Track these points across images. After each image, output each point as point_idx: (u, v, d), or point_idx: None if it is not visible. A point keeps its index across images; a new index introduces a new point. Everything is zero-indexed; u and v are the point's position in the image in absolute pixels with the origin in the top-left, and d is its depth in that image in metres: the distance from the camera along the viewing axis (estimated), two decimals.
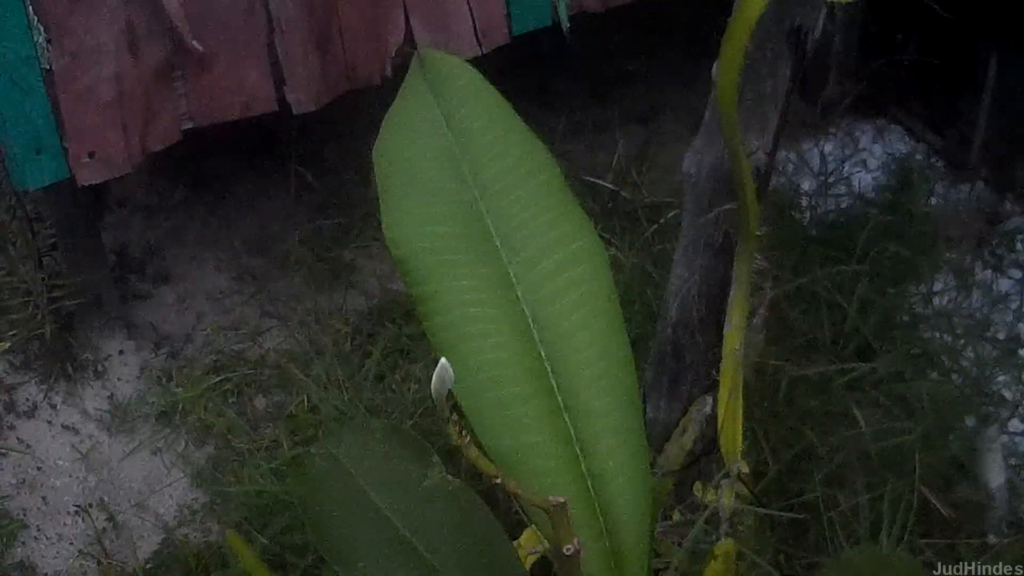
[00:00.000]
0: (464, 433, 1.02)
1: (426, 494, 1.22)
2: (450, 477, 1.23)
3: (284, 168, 2.64)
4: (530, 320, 1.19)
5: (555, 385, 1.18)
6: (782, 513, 1.79)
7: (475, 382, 1.16)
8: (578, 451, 1.18)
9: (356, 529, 1.23)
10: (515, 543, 1.66)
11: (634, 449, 1.19)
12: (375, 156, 1.24)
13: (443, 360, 0.97)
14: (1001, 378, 2.25)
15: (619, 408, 1.20)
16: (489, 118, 1.26)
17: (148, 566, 2.18)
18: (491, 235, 1.21)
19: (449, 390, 1.00)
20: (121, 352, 2.53)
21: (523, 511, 1.15)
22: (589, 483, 1.18)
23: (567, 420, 1.18)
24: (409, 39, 2.37)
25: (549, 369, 1.18)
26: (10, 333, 2.43)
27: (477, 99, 1.27)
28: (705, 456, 1.83)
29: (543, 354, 1.19)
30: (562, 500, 1.05)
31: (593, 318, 1.20)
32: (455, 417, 1.01)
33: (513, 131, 1.26)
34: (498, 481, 1.05)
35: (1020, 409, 2.18)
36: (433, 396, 0.99)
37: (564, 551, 1.07)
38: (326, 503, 1.25)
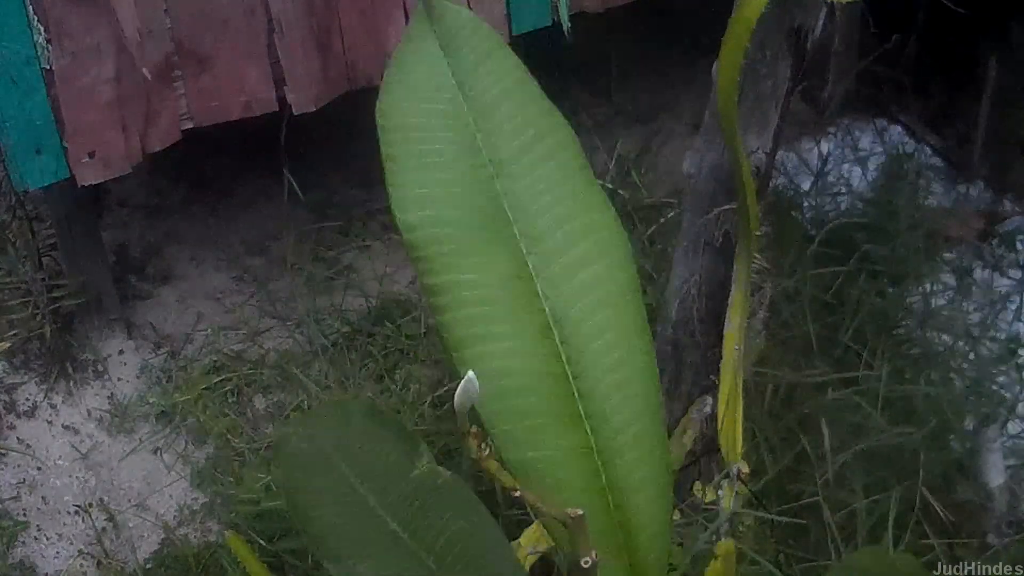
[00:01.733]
0: (484, 446, 0.97)
1: (415, 486, 1.15)
2: (440, 469, 1.16)
3: (283, 168, 2.63)
4: (551, 319, 1.10)
5: (576, 391, 1.10)
6: (782, 517, 1.79)
7: (491, 390, 1.07)
8: (599, 463, 1.11)
9: (344, 524, 1.16)
10: (515, 543, 1.66)
11: (657, 462, 1.13)
12: (378, 117, 1.13)
13: (470, 373, 0.92)
14: (1001, 378, 2.25)
15: (643, 417, 1.13)
16: (507, 85, 1.15)
17: (148, 566, 2.18)
18: (509, 221, 1.11)
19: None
20: (121, 352, 2.52)
21: (541, 522, 1.10)
22: (610, 498, 1.11)
23: (587, 429, 1.11)
24: None
25: (570, 373, 1.10)
26: (10, 333, 2.43)
27: (494, 61, 1.15)
28: (705, 456, 1.83)
29: (564, 356, 1.10)
30: (580, 512, 1.01)
31: (617, 319, 1.12)
32: (475, 430, 0.96)
33: (533, 101, 1.16)
34: (517, 494, 1.00)
35: (1020, 409, 2.18)
36: (456, 410, 0.94)
37: (582, 563, 1.04)
38: (311, 495, 1.18)
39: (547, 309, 1.10)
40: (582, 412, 1.10)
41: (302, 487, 1.19)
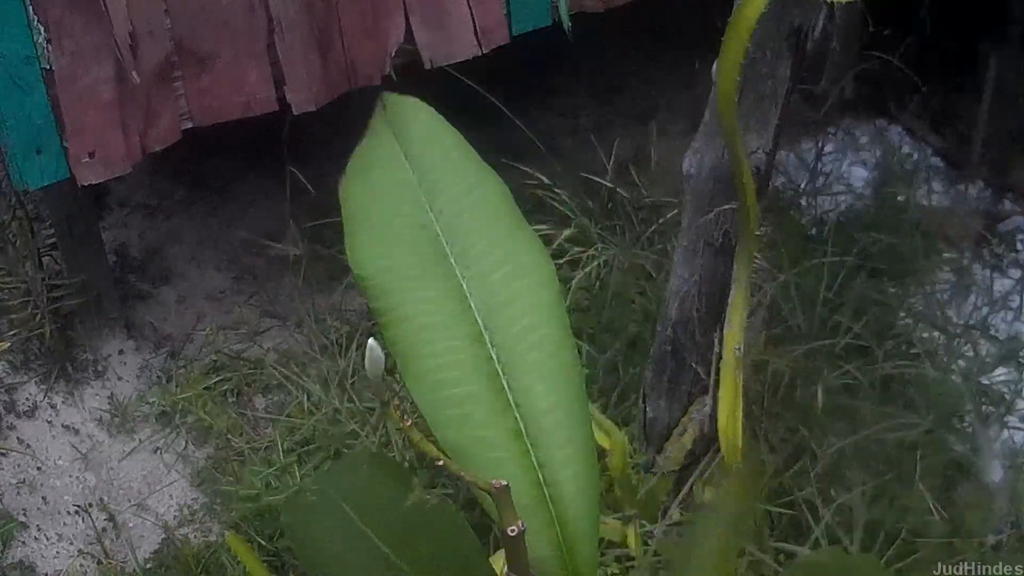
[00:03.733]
0: (406, 416, 1.09)
1: (406, 514, 1.29)
2: (427, 497, 1.31)
3: (284, 168, 2.63)
4: (482, 327, 1.29)
5: (506, 384, 1.28)
6: (782, 511, 1.79)
7: (430, 382, 1.26)
8: (528, 445, 1.27)
9: (343, 554, 1.31)
10: None
11: (581, 441, 1.29)
12: (341, 195, 1.37)
13: (371, 341, 1.04)
14: (1000, 377, 2.25)
15: (566, 403, 1.29)
16: (445, 152, 1.38)
17: (148, 566, 2.18)
18: (446, 253, 1.32)
19: (399, 391, 1.03)
20: (121, 352, 2.53)
21: (474, 494, 1.23)
22: (540, 474, 1.26)
23: (517, 416, 1.27)
24: (409, 39, 2.37)
25: (500, 370, 1.28)
26: (10, 333, 2.43)
27: (434, 135, 1.39)
28: (705, 456, 1.83)
29: (494, 356, 1.29)
30: (504, 483, 1.12)
31: (541, 324, 1.31)
32: (396, 400, 1.09)
33: (467, 162, 1.37)
34: (441, 463, 1.13)
35: (1020, 408, 2.18)
36: (370, 379, 1.05)
37: (508, 532, 1.14)
38: (315, 532, 1.33)
39: (479, 319, 1.30)
40: (511, 401, 1.28)
41: (309, 529, 1.34)
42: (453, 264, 1.32)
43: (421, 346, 1.27)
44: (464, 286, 1.31)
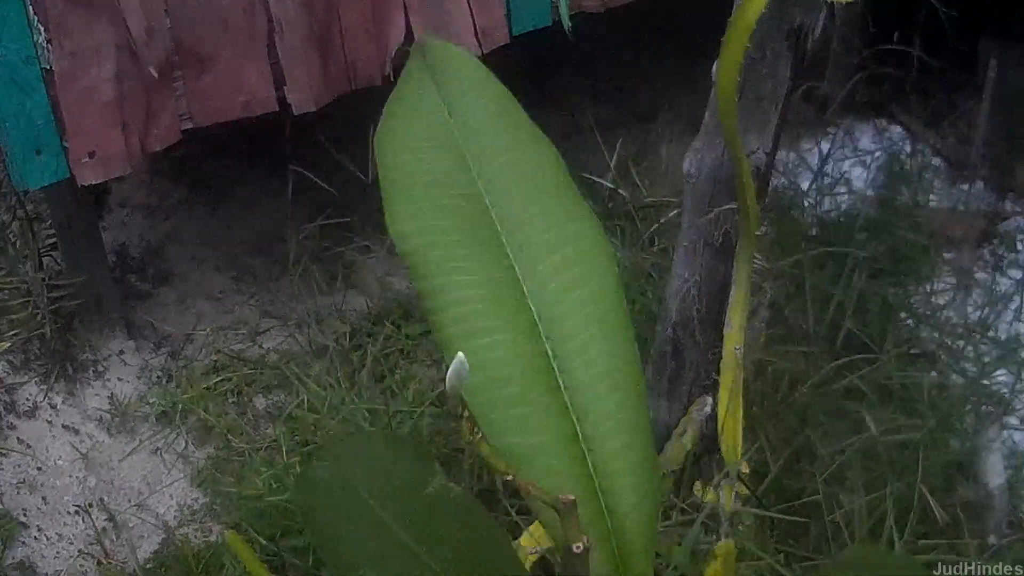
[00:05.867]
0: (476, 430, 1.00)
1: (428, 502, 1.20)
2: (451, 485, 1.22)
3: (284, 168, 2.63)
4: (536, 317, 1.16)
5: (561, 383, 1.16)
6: (783, 516, 1.79)
7: (480, 379, 1.13)
8: (584, 450, 1.15)
9: (359, 539, 1.22)
10: (514, 543, 1.67)
11: (641, 449, 1.17)
12: (376, 144, 1.21)
13: (460, 354, 0.94)
14: (1001, 378, 2.25)
15: (626, 407, 1.17)
16: (493, 111, 1.24)
17: (148, 566, 2.18)
18: (497, 230, 1.19)
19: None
20: (121, 352, 2.52)
21: (532, 509, 1.13)
22: (596, 483, 1.15)
23: (574, 419, 1.15)
24: (409, 39, 2.37)
25: (556, 367, 1.16)
26: (10, 333, 2.43)
27: (480, 90, 1.24)
28: (705, 456, 1.84)
29: (549, 352, 1.16)
30: (572, 498, 1.03)
31: (600, 316, 1.18)
32: (468, 413, 0.99)
33: (518, 126, 1.24)
34: (509, 478, 1.03)
35: (1020, 409, 2.18)
36: (447, 391, 0.96)
37: (574, 549, 1.06)
38: (329, 513, 1.24)
39: (533, 308, 1.16)
40: (568, 403, 1.15)
41: (322, 509, 1.24)
42: (504, 243, 1.17)
43: (470, 338, 1.13)
44: (517, 270, 1.17)
